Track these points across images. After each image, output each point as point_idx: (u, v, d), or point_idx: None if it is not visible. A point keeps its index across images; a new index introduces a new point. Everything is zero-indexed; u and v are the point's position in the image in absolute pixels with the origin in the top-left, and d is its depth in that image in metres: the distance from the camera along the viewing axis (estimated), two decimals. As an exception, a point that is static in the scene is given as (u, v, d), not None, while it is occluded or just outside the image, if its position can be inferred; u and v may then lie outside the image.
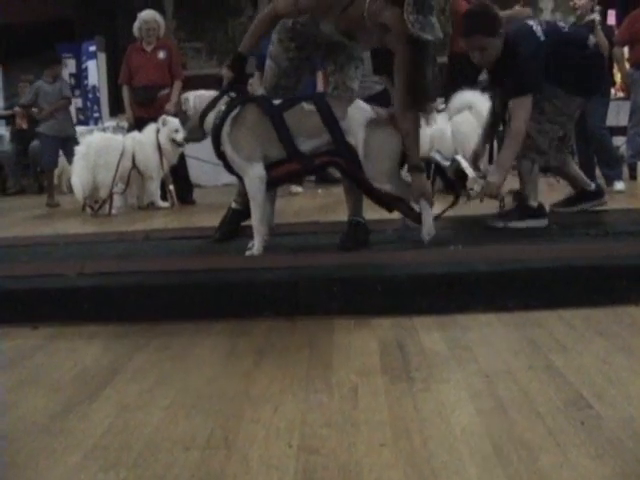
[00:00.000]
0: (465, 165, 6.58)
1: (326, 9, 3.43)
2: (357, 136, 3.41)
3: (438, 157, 6.85)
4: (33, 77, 10.60)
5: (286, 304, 2.92)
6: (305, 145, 3.47)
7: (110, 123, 10.70)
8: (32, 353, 2.69)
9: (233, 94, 3.64)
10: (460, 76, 7.39)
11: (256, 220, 3.52)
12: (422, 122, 6.95)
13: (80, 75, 12.83)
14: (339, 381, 2.17)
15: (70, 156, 8.27)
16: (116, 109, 12.01)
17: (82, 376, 2.40)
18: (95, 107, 12.40)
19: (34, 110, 8.67)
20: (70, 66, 12.88)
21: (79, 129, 10.23)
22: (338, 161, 3.53)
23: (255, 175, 3.49)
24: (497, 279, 2.93)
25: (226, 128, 3.53)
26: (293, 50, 3.73)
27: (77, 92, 12.47)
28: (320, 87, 8.05)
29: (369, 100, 9.30)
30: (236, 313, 2.94)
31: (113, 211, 6.67)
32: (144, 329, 2.87)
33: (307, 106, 3.49)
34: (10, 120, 11.73)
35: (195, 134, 3.73)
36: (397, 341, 2.52)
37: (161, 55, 7.32)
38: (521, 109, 3.87)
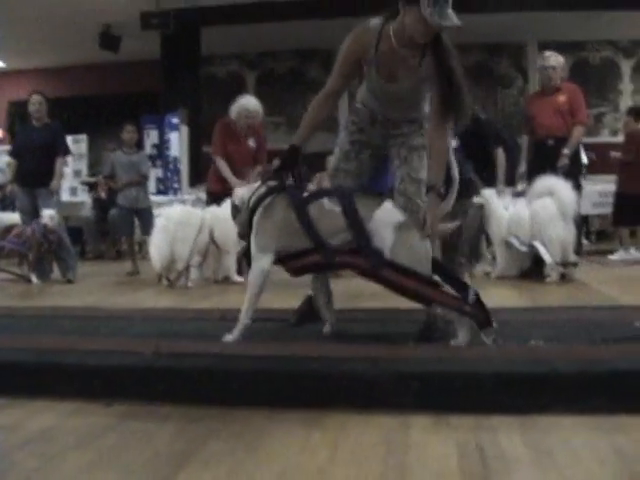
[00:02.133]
0: (543, 251, 6.53)
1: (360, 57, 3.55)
2: (384, 241, 3.29)
3: (515, 242, 6.81)
4: (114, 146, 10.93)
5: (361, 397, 2.86)
6: (331, 240, 3.39)
7: (189, 196, 10.90)
8: (104, 432, 2.69)
9: (272, 182, 3.65)
10: (541, 161, 7.36)
11: (244, 309, 3.53)
12: (500, 205, 6.95)
13: (162, 146, 13.13)
14: (416, 484, 2.11)
15: (145, 226, 8.49)
16: (195, 180, 12.27)
17: (154, 460, 2.37)
18: (175, 178, 12.65)
19: (114, 180, 8.89)
20: (153, 137, 13.22)
21: (159, 199, 10.49)
22: (359, 264, 3.38)
23: (259, 267, 3.50)
24: (580, 380, 2.81)
25: (257, 215, 3.55)
26: (354, 133, 3.80)
27: (158, 162, 12.76)
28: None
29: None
30: (309, 402, 2.89)
31: (189, 284, 6.73)
32: (218, 413, 2.85)
33: (329, 204, 3.43)
34: (93, 187, 12.06)
35: (247, 229, 3.67)
36: (476, 442, 2.44)
37: (251, 143, 7.31)
38: None
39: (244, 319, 3.52)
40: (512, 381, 2.83)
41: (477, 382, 2.81)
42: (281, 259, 3.52)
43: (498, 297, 5.27)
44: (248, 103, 7.29)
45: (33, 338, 3.80)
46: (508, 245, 6.98)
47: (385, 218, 3.32)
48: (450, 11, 3.24)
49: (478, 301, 3.31)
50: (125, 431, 2.70)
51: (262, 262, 3.49)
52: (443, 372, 2.88)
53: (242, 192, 3.76)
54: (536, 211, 6.68)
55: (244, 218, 3.64)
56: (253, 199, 3.60)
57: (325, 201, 3.44)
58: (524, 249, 6.83)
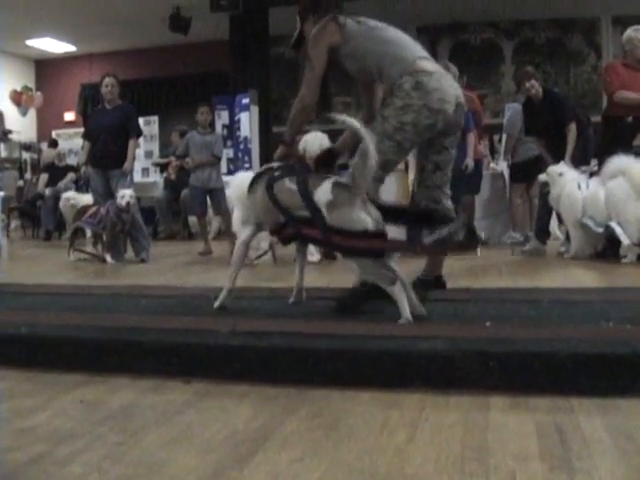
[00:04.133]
0: (619, 232, 6.41)
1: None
2: (325, 215, 3.51)
3: (591, 223, 6.69)
4: (183, 127, 11.02)
5: (439, 376, 2.85)
6: (296, 213, 3.64)
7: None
8: (183, 409, 2.73)
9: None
10: (614, 140, 7.21)
11: (229, 275, 3.97)
12: (574, 185, 6.83)
13: (233, 126, 13.18)
14: (496, 465, 2.08)
15: (217, 206, 8.57)
16: (265, 160, 12.29)
17: (233, 438, 2.39)
18: (246, 158, 12.69)
19: (186, 160, 8.95)
20: (223, 117, 13.28)
21: (230, 179, 10.54)
22: (315, 236, 3.65)
23: (241, 238, 4.00)
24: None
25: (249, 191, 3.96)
26: None
27: (229, 143, 12.82)
28: (470, 151, 8.02)
29: (524, 165, 9.17)
30: (386, 382, 2.89)
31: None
32: (294, 393, 2.86)
33: (289, 183, 3.65)
34: (164, 168, 12.18)
35: None
36: (555, 424, 2.40)
37: None
38: None
39: (227, 284, 3.97)
40: (591, 362, 2.77)
41: (556, 363, 2.77)
42: (272, 231, 3.91)
43: (573, 278, 5.20)
44: None
45: (111, 316, 3.87)
46: (583, 226, 6.87)
47: (321, 197, 3.53)
48: None
49: (463, 228, 3.64)
50: (204, 408, 2.74)
51: (242, 234, 3.99)
52: (521, 352, 2.84)
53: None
54: (611, 191, 6.56)
55: None
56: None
57: (286, 180, 3.67)
58: (600, 230, 6.72)
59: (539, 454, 2.16)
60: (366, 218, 3.43)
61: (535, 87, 7.79)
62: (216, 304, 3.89)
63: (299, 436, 2.39)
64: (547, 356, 2.79)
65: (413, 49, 3.88)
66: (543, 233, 7.89)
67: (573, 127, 7.48)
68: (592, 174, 7.33)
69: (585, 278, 5.42)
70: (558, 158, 7.47)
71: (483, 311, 3.65)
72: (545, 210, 7.75)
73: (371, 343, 3.08)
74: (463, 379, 2.83)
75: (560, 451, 2.18)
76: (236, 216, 6.98)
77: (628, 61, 7.49)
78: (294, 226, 3.67)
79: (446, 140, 3.90)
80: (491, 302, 3.67)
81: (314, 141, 4.76)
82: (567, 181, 7.03)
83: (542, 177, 7.39)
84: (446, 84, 3.77)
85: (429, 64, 3.80)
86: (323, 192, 3.51)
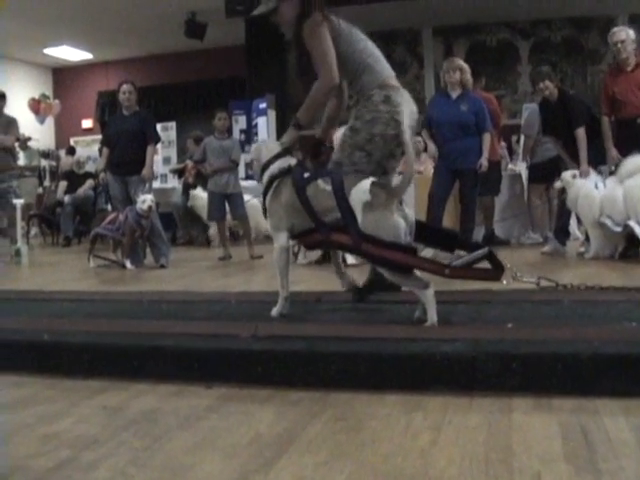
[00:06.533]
0: (638, 231, 6.37)
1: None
2: (359, 216, 3.49)
3: (609, 223, 6.65)
4: (201, 133, 11.04)
5: (462, 378, 2.83)
6: (325, 218, 3.63)
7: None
8: (206, 414, 2.72)
9: (291, 158, 3.97)
10: (632, 140, 7.18)
11: (279, 284, 3.88)
12: (591, 186, 6.80)
13: (250, 131, 13.22)
14: (521, 467, 2.07)
15: (234, 211, 8.59)
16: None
17: (257, 443, 2.39)
18: (264, 162, 12.73)
19: (204, 166, 8.99)
20: (241, 122, 13.33)
21: (247, 184, 10.57)
22: (345, 241, 3.60)
23: (278, 244, 3.84)
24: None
25: (269, 194, 3.88)
26: None
27: (247, 147, 12.86)
28: (486, 151, 7.97)
29: (543, 165, 9.13)
30: (409, 384, 2.88)
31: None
32: (317, 396, 2.85)
33: (323, 184, 3.63)
34: (181, 173, 12.21)
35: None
36: (580, 426, 2.39)
37: None
38: None
39: (282, 294, 3.87)
40: (614, 363, 2.76)
41: (578, 364, 2.75)
42: (294, 236, 3.85)
43: (594, 277, 5.16)
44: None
45: (132, 322, 3.88)
46: (602, 226, 6.83)
47: (357, 197, 3.50)
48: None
49: (487, 258, 3.61)
50: (226, 413, 2.74)
51: (278, 240, 3.83)
52: (544, 353, 2.83)
53: (262, 148, 4.13)
54: (629, 190, 6.53)
55: (257, 174, 4.12)
56: (265, 178, 3.91)
57: (320, 182, 3.65)
58: (618, 229, 6.68)
59: (564, 455, 2.14)
60: (402, 223, 3.45)
61: (549, 88, 7.78)
62: (274, 312, 3.84)
63: (323, 439, 2.39)
64: (569, 357, 2.77)
65: (385, 65, 4.15)
66: (563, 234, 7.86)
67: (581, 132, 7.45)
68: (611, 173, 7.30)
69: (606, 278, 5.38)
70: (576, 158, 7.46)
71: (504, 312, 3.64)
72: (564, 211, 7.73)
73: (394, 346, 3.07)
74: (486, 381, 2.81)
75: (585, 452, 2.16)
76: None
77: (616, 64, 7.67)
78: (324, 232, 3.65)
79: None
80: (512, 303, 3.65)
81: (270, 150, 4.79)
82: (583, 182, 7.01)
83: (557, 185, 7.40)
84: (407, 100, 4.04)
85: (395, 81, 4.11)
86: (360, 192, 3.49)
